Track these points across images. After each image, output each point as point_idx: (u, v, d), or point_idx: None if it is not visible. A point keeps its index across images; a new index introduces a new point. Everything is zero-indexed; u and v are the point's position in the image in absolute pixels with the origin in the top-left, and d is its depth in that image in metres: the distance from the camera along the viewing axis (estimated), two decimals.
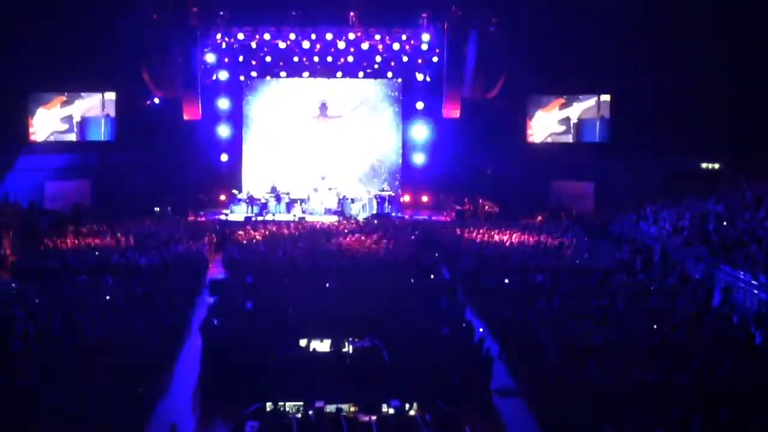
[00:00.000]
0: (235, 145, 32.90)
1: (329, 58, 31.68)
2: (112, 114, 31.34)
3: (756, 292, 16.59)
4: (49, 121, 30.82)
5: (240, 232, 25.53)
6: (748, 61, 26.68)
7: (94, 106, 31.33)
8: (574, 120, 32.09)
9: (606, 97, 31.76)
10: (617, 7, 27.56)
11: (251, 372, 13.19)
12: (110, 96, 31.32)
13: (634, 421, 10.61)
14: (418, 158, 32.88)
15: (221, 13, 30.28)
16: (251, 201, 30.44)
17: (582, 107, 32.09)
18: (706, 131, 27.57)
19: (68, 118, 31.03)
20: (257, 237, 24.79)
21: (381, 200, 30.76)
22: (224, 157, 32.68)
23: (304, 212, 30.25)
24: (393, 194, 31.54)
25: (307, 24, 30.70)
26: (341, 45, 31.21)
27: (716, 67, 27.52)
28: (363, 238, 24.55)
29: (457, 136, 31.36)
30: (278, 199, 30.61)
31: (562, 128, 32.21)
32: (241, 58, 31.67)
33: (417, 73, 32.11)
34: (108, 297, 17.29)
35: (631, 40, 28.17)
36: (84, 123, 31.18)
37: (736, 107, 27.06)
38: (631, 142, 29.70)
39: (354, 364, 13.41)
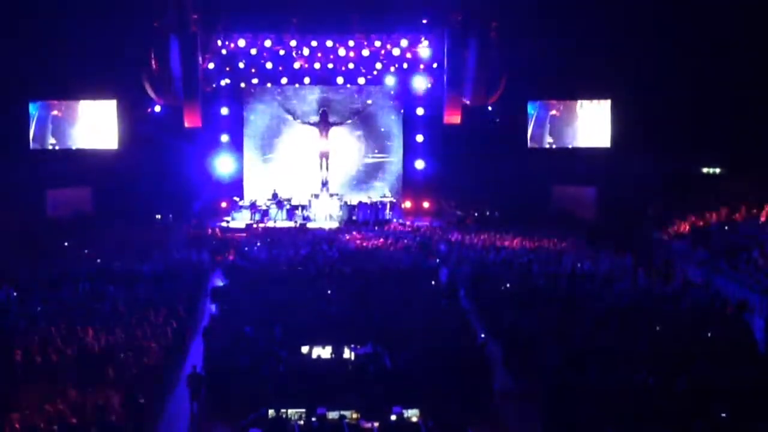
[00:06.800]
0: (236, 152, 32.91)
1: (330, 65, 31.76)
2: (113, 122, 31.35)
3: None
4: (49, 129, 30.82)
5: None
6: (748, 65, 26.67)
7: (95, 114, 31.33)
8: (575, 125, 32.09)
9: (607, 102, 31.79)
10: (617, 12, 27.59)
11: (254, 379, 13.18)
12: (111, 104, 31.33)
13: (636, 424, 10.60)
14: (419, 164, 32.89)
15: (221, 20, 30.32)
16: (253, 208, 30.42)
17: (583, 112, 32.10)
18: (707, 136, 27.55)
19: (69, 126, 31.05)
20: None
21: (382, 206, 30.73)
22: (225, 164, 32.66)
23: (305, 219, 30.23)
24: (394, 200, 31.53)
25: (308, 31, 30.76)
26: (342, 51, 31.28)
27: (717, 71, 27.50)
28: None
29: (458, 142, 31.32)
30: (280, 205, 30.58)
31: (562, 133, 32.18)
32: (241, 65, 31.71)
33: (418, 79, 32.11)
34: (110, 305, 17.29)
35: (632, 45, 28.17)
36: (85, 130, 31.18)
37: (736, 111, 27.05)
38: (632, 147, 29.68)
39: (356, 370, 13.41)
